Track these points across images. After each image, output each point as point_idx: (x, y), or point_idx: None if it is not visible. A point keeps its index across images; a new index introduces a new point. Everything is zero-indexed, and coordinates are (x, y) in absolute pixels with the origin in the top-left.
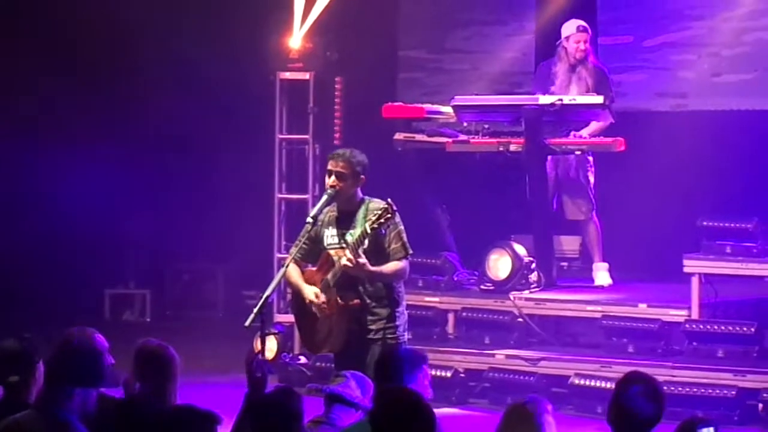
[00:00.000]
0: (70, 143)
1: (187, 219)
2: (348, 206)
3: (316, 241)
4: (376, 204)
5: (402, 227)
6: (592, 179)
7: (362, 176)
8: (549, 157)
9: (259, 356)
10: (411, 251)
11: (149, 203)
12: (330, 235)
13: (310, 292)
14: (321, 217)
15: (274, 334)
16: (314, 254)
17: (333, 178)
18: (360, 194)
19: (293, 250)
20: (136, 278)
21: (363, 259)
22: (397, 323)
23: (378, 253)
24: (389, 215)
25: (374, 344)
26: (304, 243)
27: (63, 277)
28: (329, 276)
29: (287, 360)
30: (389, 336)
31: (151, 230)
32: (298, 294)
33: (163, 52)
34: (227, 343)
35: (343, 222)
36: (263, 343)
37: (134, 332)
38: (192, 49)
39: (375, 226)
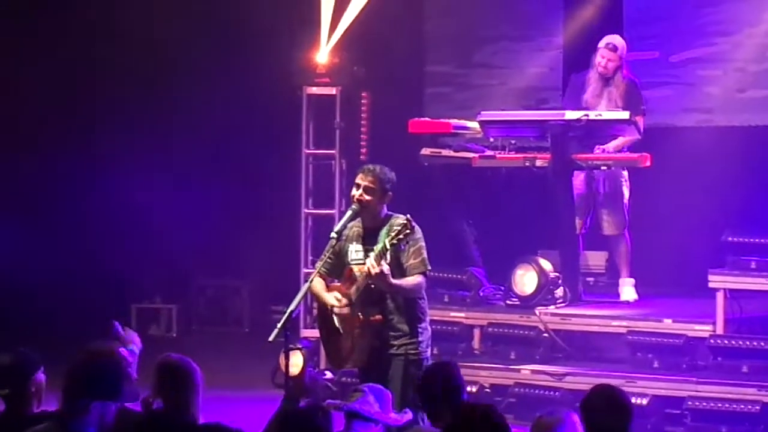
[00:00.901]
0: (102, 157)
1: (214, 234)
2: (373, 222)
3: (340, 256)
4: (399, 220)
5: (422, 243)
6: (627, 194)
7: (389, 193)
8: (581, 173)
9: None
10: (429, 268)
11: (176, 218)
12: (354, 251)
13: (331, 297)
14: (346, 232)
15: (299, 349)
16: (338, 269)
17: (360, 191)
18: (385, 211)
19: (318, 264)
20: (162, 293)
21: (386, 269)
22: (420, 339)
23: (397, 269)
24: (408, 231)
25: (396, 359)
26: (328, 258)
27: (91, 292)
28: (352, 291)
29: (313, 374)
30: (411, 352)
31: (178, 245)
32: (322, 307)
33: (192, 67)
34: (253, 358)
35: (368, 238)
36: (288, 358)
37: (160, 347)
38: (219, 64)
39: (394, 241)
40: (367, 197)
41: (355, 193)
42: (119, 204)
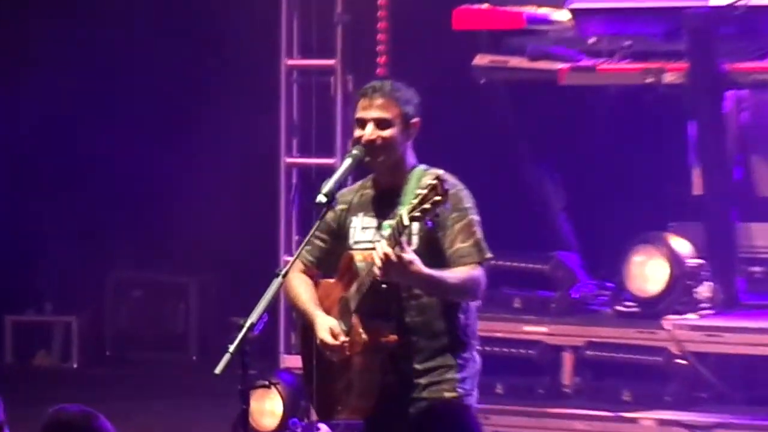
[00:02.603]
0: None
1: (137, 205)
2: (391, 178)
3: (338, 234)
4: (429, 177)
5: (473, 216)
6: None
7: (417, 121)
8: (739, 95)
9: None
10: (490, 254)
11: (76, 186)
12: (360, 227)
13: (323, 326)
14: (347, 195)
15: (275, 385)
16: (335, 256)
17: (370, 127)
18: (412, 158)
19: (301, 248)
20: (55, 298)
21: (409, 255)
22: (463, 374)
23: (433, 258)
24: (437, 197)
25: (423, 406)
26: (317, 237)
27: None
28: (350, 292)
29: (299, 430)
30: (448, 394)
31: (79, 225)
32: (305, 322)
33: None
34: (205, 402)
35: (383, 205)
36: (247, 402)
37: (50, 387)
38: None
39: (416, 214)
40: (383, 134)
41: (362, 132)
42: None
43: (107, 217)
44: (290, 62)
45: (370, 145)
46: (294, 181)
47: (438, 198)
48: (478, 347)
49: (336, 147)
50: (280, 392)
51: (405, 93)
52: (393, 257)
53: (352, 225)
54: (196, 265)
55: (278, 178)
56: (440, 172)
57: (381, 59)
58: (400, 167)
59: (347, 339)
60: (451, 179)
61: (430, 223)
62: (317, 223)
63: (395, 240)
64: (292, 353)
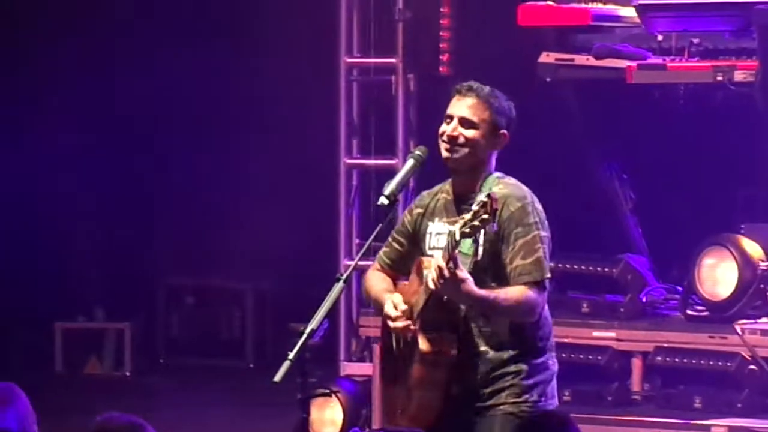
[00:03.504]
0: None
1: (191, 210)
2: (466, 182)
3: (414, 239)
4: (503, 189)
5: (538, 232)
6: None
7: (505, 133)
8: None
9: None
10: (548, 274)
11: (130, 190)
12: (435, 232)
13: (389, 302)
14: (425, 199)
15: (335, 394)
16: (411, 260)
17: (454, 123)
18: (493, 165)
19: (381, 252)
20: (106, 304)
21: (462, 273)
22: (530, 381)
23: (497, 271)
24: (486, 216)
25: (492, 420)
26: (395, 240)
27: None
28: (416, 299)
29: None
30: (522, 406)
31: (131, 230)
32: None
33: None
34: (262, 410)
35: (457, 210)
36: (307, 411)
37: (102, 395)
38: None
39: (467, 230)
40: (467, 134)
41: (446, 128)
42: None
43: (161, 222)
44: (349, 60)
45: (451, 141)
46: (354, 182)
47: (486, 216)
48: (553, 353)
49: (397, 147)
50: (340, 401)
51: (501, 103)
52: (446, 272)
53: (428, 230)
54: (253, 270)
55: (338, 179)
56: (512, 181)
57: (444, 57)
58: (478, 173)
59: (405, 314)
60: (518, 192)
61: (477, 237)
62: (400, 228)
63: (449, 254)
64: (353, 360)
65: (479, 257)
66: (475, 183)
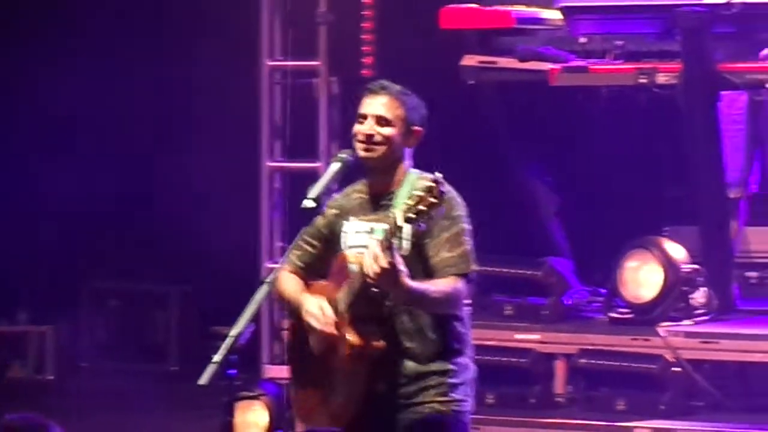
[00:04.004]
0: None
1: (114, 213)
2: (385, 181)
3: (329, 240)
4: (424, 181)
5: (464, 225)
6: None
7: (419, 129)
8: (735, 97)
9: None
10: (475, 266)
11: (51, 194)
12: (353, 231)
13: (312, 303)
14: (339, 200)
15: (258, 397)
16: (324, 262)
17: (369, 123)
18: (408, 163)
19: (289, 251)
20: (29, 307)
21: (398, 262)
22: (456, 380)
23: (420, 264)
24: (434, 200)
25: (414, 416)
26: (306, 241)
27: None
28: (341, 294)
29: None
30: (441, 402)
31: (55, 233)
32: (295, 322)
33: None
34: (184, 413)
35: (376, 208)
36: (231, 414)
37: (25, 399)
38: None
39: (411, 215)
40: (382, 133)
41: (361, 128)
42: None
43: (84, 224)
44: (272, 63)
45: (367, 140)
46: (276, 185)
47: (434, 200)
48: (472, 355)
49: (320, 150)
50: (264, 403)
51: (413, 99)
52: (384, 262)
53: (344, 229)
54: (177, 273)
55: (260, 182)
56: (436, 175)
57: (366, 60)
58: (395, 171)
59: (332, 318)
60: (445, 185)
61: (422, 225)
62: (311, 228)
63: (388, 242)
64: (276, 363)
65: (406, 251)
66: (391, 180)
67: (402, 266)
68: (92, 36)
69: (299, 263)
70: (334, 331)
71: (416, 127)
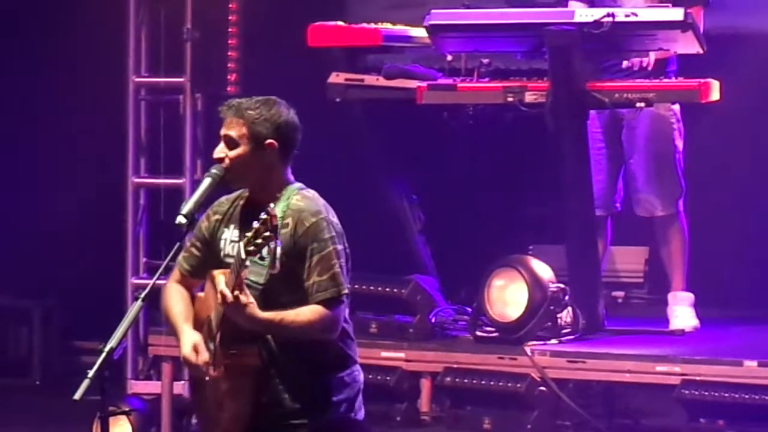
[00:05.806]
0: None
1: None
2: (261, 195)
3: (211, 244)
4: (299, 201)
5: (335, 246)
6: (680, 146)
7: (271, 142)
8: (601, 115)
9: None
10: (345, 289)
11: None
12: (229, 240)
13: (187, 342)
14: (224, 205)
15: (125, 413)
16: (210, 266)
17: (221, 146)
18: (287, 176)
19: (180, 258)
20: None
21: (246, 298)
22: (340, 396)
23: (293, 286)
24: (267, 233)
25: (300, 429)
26: (193, 246)
27: None
28: (213, 313)
29: None
30: (331, 421)
31: None
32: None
33: None
34: (46, 428)
35: (250, 220)
36: (106, 429)
37: None
38: None
39: (251, 248)
40: (230, 154)
41: (216, 150)
42: None
43: None
44: (138, 79)
45: (221, 162)
46: (142, 201)
47: (267, 234)
48: (357, 365)
49: (185, 167)
50: (129, 420)
51: (260, 111)
52: (228, 297)
53: (222, 236)
54: (39, 288)
55: (126, 198)
56: (310, 194)
57: (231, 77)
58: (269, 187)
59: (209, 358)
60: (313, 206)
61: (279, 242)
62: (197, 235)
63: (236, 274)
64: (140, 379)
65: (276, 269)
66: (268, 195)
67: (248, 299)
68: None
69: (187, 266)
70: (211, 373)
71: (269, 141)
